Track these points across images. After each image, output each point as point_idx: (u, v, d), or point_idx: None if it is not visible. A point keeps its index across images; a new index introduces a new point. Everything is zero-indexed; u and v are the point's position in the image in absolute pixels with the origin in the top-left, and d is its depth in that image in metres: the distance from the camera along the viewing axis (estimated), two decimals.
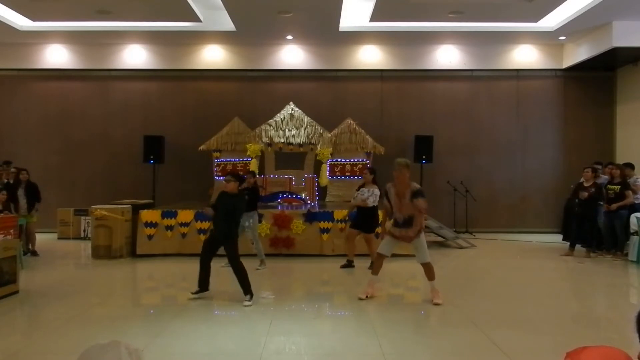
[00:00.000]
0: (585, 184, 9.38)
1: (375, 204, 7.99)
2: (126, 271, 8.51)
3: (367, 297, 6.29)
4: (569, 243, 9.64)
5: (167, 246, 9.29)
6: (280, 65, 12.88)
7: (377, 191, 7.92)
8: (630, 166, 9.88)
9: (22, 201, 9.27)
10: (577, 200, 9.42)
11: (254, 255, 8.22)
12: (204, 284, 6.30)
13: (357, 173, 11.73)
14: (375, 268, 6.45)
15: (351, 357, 4.47)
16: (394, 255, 8.66)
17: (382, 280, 7.89)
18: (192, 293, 6.25)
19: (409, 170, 5.99)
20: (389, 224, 6.40)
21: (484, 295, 6.73)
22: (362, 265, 8.20)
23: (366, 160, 11.87)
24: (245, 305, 5.92)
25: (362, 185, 8.25)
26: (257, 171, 11.40)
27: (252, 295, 6.06)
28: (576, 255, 9.32)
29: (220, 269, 7.23)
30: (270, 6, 9.96)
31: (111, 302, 6.56)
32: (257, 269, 7.94)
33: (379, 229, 8.00)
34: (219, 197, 6.42)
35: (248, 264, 7.92)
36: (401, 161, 6.02)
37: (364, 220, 8.11)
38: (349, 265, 8.31)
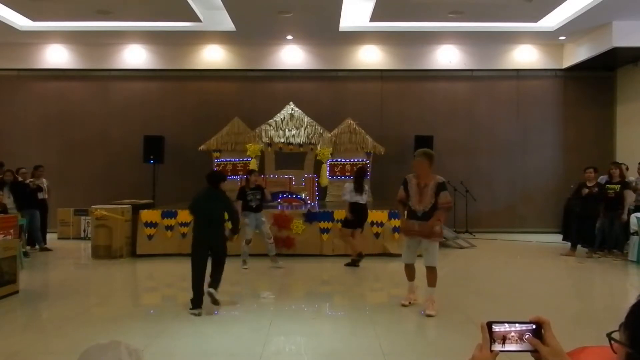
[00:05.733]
0: (589, 184, 9.36)
1: (351, 200, 8.27)
2: (126, 271, 8.51)
3: (410, 303, 5.93)
4: (570, 243, 9.64)
5: (167, 246, 9.29)
6: (280, 65, 12.88)
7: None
8: None
9: (8, 201, 9.29)
10: (579, 199, 9.39)
11: (265, 255, 8.31)
12: (199, 301, 5.70)
13: None
14: (408, 275, 6.01)
15: (351, 357, 4.47)
16: (393, 255, 8.73)
17: (381, 279, 7.93)
18: (191, 309, 5.68)
19: (432, 160, 5.60)
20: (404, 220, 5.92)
21: (483, 295, 6.72)
22: (360, 265, 8.23)
23: (366, 160, 11.87)
24: (210, 293, 5.63)
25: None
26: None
27: (216, 289, 5.71)
28: (577, 255, 9.32)
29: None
30: (270, 6, 9.96)
31: (111, 302, 6.56)
32: (281, 267, 8.17)
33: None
34: (203, 201, 5.87)
35: (263, 264, 8.16)
36: (421, 150, 5.71)
37: (356, 217, 8.32)
38: (359, 259, 8.31)
